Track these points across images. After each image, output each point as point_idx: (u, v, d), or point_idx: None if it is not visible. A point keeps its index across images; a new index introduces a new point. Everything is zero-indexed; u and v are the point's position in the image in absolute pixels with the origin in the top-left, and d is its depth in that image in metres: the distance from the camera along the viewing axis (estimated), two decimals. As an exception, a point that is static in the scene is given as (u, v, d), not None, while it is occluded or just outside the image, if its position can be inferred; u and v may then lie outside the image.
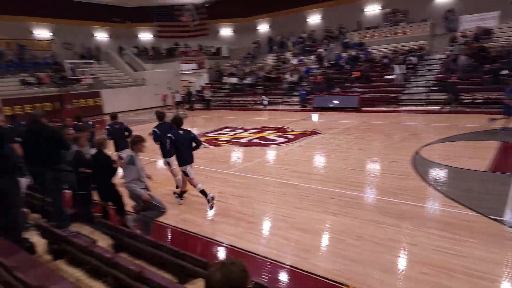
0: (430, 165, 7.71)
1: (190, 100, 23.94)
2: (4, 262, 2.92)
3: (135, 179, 4.52)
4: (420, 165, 7.64)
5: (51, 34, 25.72)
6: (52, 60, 24.05)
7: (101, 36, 28.77)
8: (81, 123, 7.49)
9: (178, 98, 23.40)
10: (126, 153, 4.65)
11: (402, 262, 4.09)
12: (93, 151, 5.28)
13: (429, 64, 18.89)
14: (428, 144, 9.42)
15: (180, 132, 5.79)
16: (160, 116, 6.68)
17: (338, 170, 7.66)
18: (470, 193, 5.86)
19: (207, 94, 22.42)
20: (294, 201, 6.00)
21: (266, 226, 5.31)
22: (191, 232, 5.13)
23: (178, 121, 5.83)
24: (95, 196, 5.33)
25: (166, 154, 6.59)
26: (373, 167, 8.17)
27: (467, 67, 16.63)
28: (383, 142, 10.55)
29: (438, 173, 7.30)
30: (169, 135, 5.74)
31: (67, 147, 5.04)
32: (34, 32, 24.92)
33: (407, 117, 14.85)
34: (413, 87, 17.58)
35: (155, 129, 6.38)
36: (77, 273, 3.77)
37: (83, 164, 5.07)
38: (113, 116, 7.85)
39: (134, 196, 4.62)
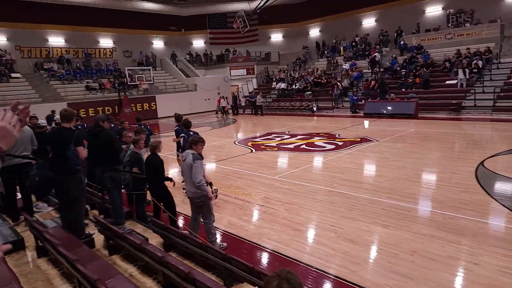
0: (497, 178, 7.03)
1: (236, 105, 24.36)
2: (67, 255, 3.16)
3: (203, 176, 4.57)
4: (485, 178, 6.99)
5: (113, 43, 27.82)
6: (113, 67, 25.96)
7: (158, 43, 30.47)
8: (141, 125, 8.06)
9: (223, 103, 23.94)
10: (187, 152, 4.69)
11: (461, 282, 3.73)
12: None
13: (498, 68, 17.29)
14: (494, 155, 8.60)
15: (190, 133, 6.95)
16: (178, 118, 7.93)
17: (391, 180, 7.26)
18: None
19: (260, 100, 22.51)
20: (342, 211, 5.79)
21: (313, 234, 5.18)
22: (237, 236, 5.16)
23: (187, 124, 7.21)
24: (149, 196, 5.61)
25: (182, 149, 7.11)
26: (431, 178, 7.63)
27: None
28: (442, 151, 9.80)
29: (505, 187, 6.62)
30: (182, 134, 7.11)
31: (118, 150, 5.39)
32: (99, 41, 27.13)
33: (470, 125, 13.72)
34: (478, 93, 16.12)
35: (177, 127, 7.65)
36: (130, 269, 3.97)
37: (137, 165, 5.38)
38: (186, 124, 7.34)
39: (198, 195, 4.58)
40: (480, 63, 17.28)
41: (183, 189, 6.40)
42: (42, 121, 7.58)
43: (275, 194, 6.89)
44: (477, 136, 12.00)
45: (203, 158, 4.78)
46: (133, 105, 22.66)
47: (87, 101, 21.73)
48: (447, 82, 17.98)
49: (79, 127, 8.83)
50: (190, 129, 7.29)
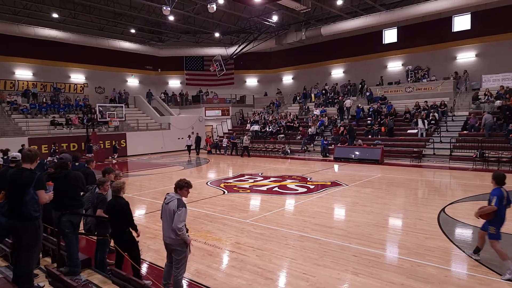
0: (458, 225, 7.38)
1: (199, 145, 24.57)
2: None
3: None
4: (447, 224, 7.33)
5: (85, 78, 27.53)
6: (83, 102, 25.50)
7: (133, 81, 30.57)
8: (79, 164, 7.29)
9: (189, 142, 24.17)
10: (171, 195, 4.45)
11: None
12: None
13: (453, 121, 18.83)
14: (453, 202, 9.09)
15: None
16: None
17: (361, 225, 7.43)
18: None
19: (246, 141, 22.41)
20: (314, 257, 5.80)
21: (284, 283, 5.08)
22: (205, 286, 4.92)
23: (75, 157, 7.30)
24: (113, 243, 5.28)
25: None
26: (397, 223, 7.88)
27: (492, 125, 16.47)
28: (407, 197, 10.25)
29: (465, 234, 6.95)
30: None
31: (83, 192, 5.18)
32: (70, 76, 26.75)
33: (431, 172, 14.51)
34: (436, 142, 17.39)
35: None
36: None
37: (102, 208, 5.02)
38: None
39: (178, 243, 4.37)
40: (436, 115, 18.79)
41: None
42: (18, 154, 6.81)
43: (246, 239, 6.80)
44: (437, 183, 12.68)
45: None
46: (101, 142, 22.07)
47: (51, 136, 20.88)
48: (409, 131, 19.22)
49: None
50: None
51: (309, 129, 22.07)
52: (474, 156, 15.23)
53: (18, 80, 24.16)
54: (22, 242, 4.03)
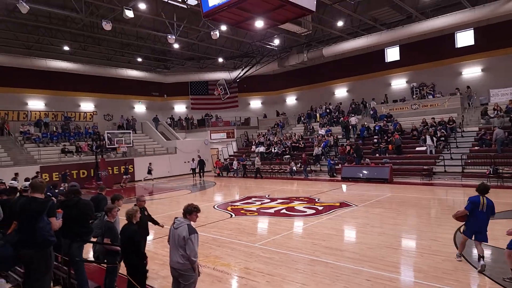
0: (473, 245, 7.09)
1: (203, 168, 24.74)
2: None
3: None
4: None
5: (94, 106, 28.13)
6: (93, 130, 25.91)
7: (140, 108, 31.08)
8: (53, 193, 7.45)
9: (193, 165, 24.41)
10: (180, 221, 4.36)
11: None
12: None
13: (462, 137, 18.59)
14: (469, 221, 8.78)
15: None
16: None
17: (373, 248, 7.20)
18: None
19: (258, 162, 22.33)
20: (327, 282, 5.59)
21: (297, 309, 4.91)
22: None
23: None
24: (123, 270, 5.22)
25: None
26: (411, 245, 7.63)
27: (504, 140, 16.14)
28: (420, 217, 9.98)
29: (485, 255, 6.67)
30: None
31: (92, 220, 5.16)
32: (80, 104, 27.37)
33: (443, 191, 14.20)
34: (447, 159, 17.04)
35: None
36: None
37: (110, 236, 5.05)
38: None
39: (186, 268, 4.30)
40: (445, 132, 18.57)
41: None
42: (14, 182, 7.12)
43: (256, 264, 6.63)
44: (450, 201, 12.36)
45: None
46: (109, 168, 22.20)
47: (61, 164, 21.13)
48: (417, 148, 18.97)
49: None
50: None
51: (314, 150, 21.96)
52: (487, 172, 14.86)
53: (30, 111, 24.76)
54: (34, 271, 4.00)
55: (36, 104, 25.14)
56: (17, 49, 22.49)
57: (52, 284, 5.52)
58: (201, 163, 24.88)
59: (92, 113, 27.97)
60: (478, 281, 5.46)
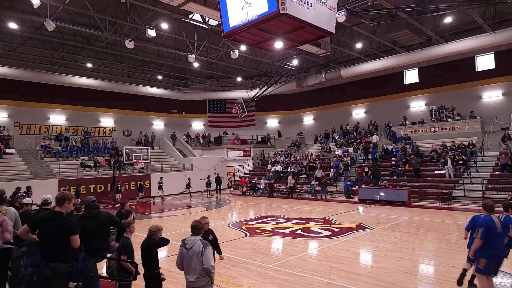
0: (499, 275, 6.79)
1: (219, 185, 25.01)
2: None
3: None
4: (487, 274, 6.75)
5: (114, 122, 28.89)
6: (111, 145, 26.51)
7: (158, 124, 31.72)
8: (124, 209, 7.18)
9: (207, 182, 24.49)
10: (191, 239, 4.44)
11: None
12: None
13: (483, 161, 18.09)
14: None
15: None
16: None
17: (390, 273, 7.00)
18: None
19: (291, 181, 21.87)
20: (342, 306, 5.45)
21: (312, 334, 4.78)
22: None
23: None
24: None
25: None
26: (430, 271, 7.38)
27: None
28: (439, 242, 9.65)
29: (507, 285, 6.38)
30: None
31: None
32: (100, 120, 28.17)
33: (463, 216, 13.69)
34: (467, 183, 16.58)
35: None
36: None
37: (126, 252, 5.05)
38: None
39: (206, 282, 4.37)
40: (464, 156, 18.15)
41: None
42: (49, 197, 6.58)
43: (269, 286, 6.53)
44: (472, 227, 11.91)
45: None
46: (126, 183, 22.54)
47: (79, 178, 21.59)
48: (436, 172, 18.54)
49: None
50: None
51: (331, 171, 21.73)
52: (509, 198, 14.33)
53: (52, 125, 25.56)
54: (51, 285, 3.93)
55: (57, 118, 25.94)
56: (42, 65, 23.40)
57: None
58: (218, 180, 24.97)
59: (111, 129, 28.69)
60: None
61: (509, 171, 16.24)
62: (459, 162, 17.98)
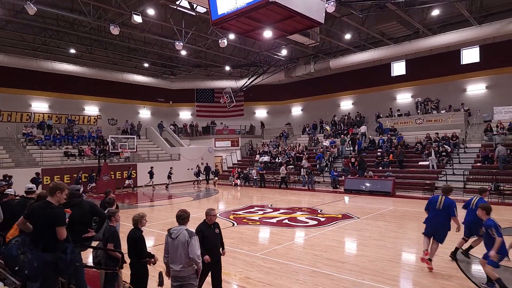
0: (476, 262, 7.04)
1: (208, 174, 25.21)
2: None
3: None
4: (464, 262, 7.03)
5: (99, 110, 28.26)
6: (96, 134, 26.02)
7: (145, 113, 31.25)
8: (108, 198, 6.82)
9: (195, 171, 24.52)
10: (177, 229, 4.46)
11: None
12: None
13: (465, 153, 18.57)
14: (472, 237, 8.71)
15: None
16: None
17: (374, 261, 7.17)
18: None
19: (283, 171, 21.65)
20: (327, 294, 5.57)
21: (297, 321, 4.88)
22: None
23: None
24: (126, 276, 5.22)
25: None
26: (412, 259, 7.57)
27: (506, 157, 16.15)
28: (421, 231, 9.85)
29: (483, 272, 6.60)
30: None
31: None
32: (84, 108, 27.50)
33: (445, 206, 14.10)
34: (449, 174, 17.04)
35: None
36: None
37: (113, 241, 5.03)
38: None
39: (192, 273, 4.40)
40: (448, 147, 18.57)
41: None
42: (33, 186, 6.53)
43: (256, 274, 6.60)
44: (453, 217, 12.25)
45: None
46: (112, 172, 22.25)
47: (63, 167, 21.18)
48: (420, 163, 18.95)
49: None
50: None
51: (317, 164, 21.94)
52: (489, 189, 14.78)
53: (34, 113, 24.84)
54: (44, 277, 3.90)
55: (39, 106, 25.20)
56: (23, 50, 22.59)
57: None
58: (207, 170, 25.06)
59: (96, 117, 28.10)
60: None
61: (490, 162, 16.72)
62: (443, 154, 18.41)
